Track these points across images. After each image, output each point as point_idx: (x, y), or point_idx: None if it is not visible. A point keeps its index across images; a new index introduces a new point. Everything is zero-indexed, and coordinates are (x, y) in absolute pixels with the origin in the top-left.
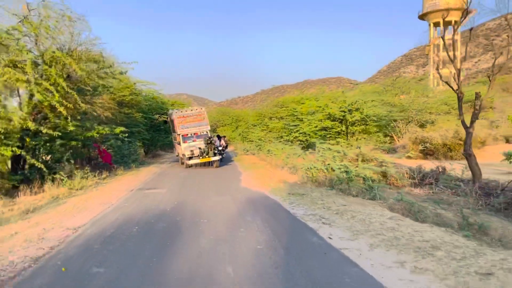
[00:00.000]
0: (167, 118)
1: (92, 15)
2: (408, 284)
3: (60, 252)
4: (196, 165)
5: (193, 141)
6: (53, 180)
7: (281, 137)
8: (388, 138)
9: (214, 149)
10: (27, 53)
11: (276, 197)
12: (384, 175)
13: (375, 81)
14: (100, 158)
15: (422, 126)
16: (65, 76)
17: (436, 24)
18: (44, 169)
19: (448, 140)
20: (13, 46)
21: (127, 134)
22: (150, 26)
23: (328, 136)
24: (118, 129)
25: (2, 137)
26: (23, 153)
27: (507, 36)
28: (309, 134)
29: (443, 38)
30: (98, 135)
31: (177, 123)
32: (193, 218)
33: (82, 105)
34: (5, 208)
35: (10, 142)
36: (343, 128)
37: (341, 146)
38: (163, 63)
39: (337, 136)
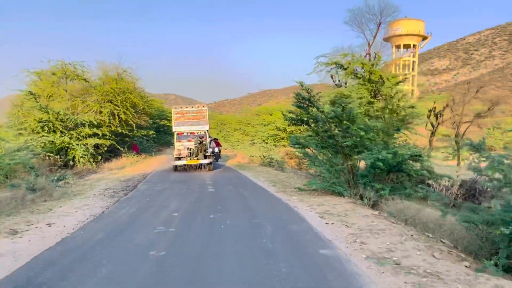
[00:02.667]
0: (171, 116)
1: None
2: (264, 182)
3: (151, 174)
4: (185, 167)
5: (188, 141)
6: (121, 156)
7: (253, 140)
8: None
9: (204, 150)
10: (116, 96)
11: (235, 168)
12: (296, 161)
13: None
14: (132, 148)
15: None
16: (131, 105)
17: (398, 46)
18: (122, 150)
19: None
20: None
21: (152, 133)
22: (138, 24)
23: (276, 140)
24: (151, 132)
25: (108, 136)
26: (114, 142)
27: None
28: (265, 138)
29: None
30: (140, 135)
31: (174, 120)
32: (194, 174)
33: (137, 120)
34: (110, 165)
35: (110, 138)
36: (285, 135)
37: (273, 145)
38: (151, 62)
39: (281, 140)
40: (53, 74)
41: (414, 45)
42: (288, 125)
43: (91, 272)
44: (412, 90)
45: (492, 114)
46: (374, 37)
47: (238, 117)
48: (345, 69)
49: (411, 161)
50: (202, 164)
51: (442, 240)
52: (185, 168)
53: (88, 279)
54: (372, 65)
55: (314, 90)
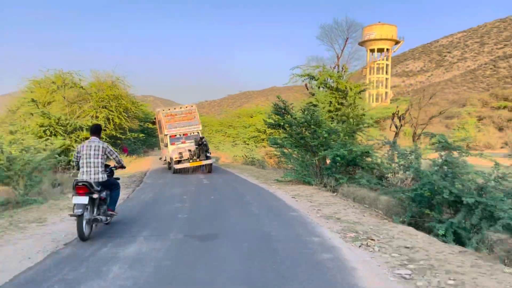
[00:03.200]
0: (154, 118)
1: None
2: (248, 176)
3: (148, 172)
4: (185, 170)
5: (182, 142)
6: None
7: (235, 141)
8: None
9: (206, 151)
10: (111, 102)
11: (220, 166)
12: (275, 160)
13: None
14: (122, 150)
15: None
16: (124, 110)
17: (372, 51)
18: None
19: None
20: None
21: (142, 136)
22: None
23: (256, 141)
24: (141, 134)
25: (104, 138)
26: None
27: None
28: (246, 139)
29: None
30: (132, 138)
31: (164, 123)
32: (187, 174)
33: (129, 124)
34: None
35: (106, 141)
36: (265, 136)
37: (254, 146)
38: (128, 62)
39: (261, 141)
40: (53, 83)
41: (387, 49)
42: (268, 127)
43: (146, 224)
44: (386, 92)
45: (459, 115)
46: (342, 51)
47: (219, 119)
48: (317, 80)
49: (367, 157)
50: (204, 165)
51: (375, 210)
52: (180, 171)
53: (145, 228)
54: (339, 76)
55: (292, 90)
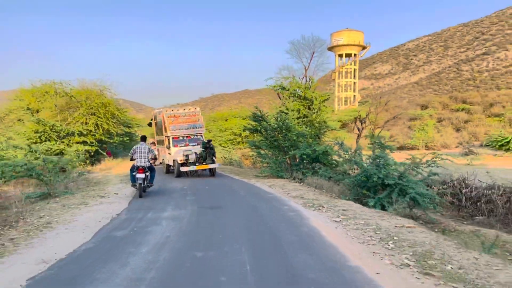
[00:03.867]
0: (151, 119)
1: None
2: (229, 173)
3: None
4: (188, 173)
5: (185, 145)
6: (101, 160)
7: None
8: None
9: (212, 155)
10: (99, 109)
11: None
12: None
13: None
14: (106, 153)
15: None
16: (111, 116)
17: (340, 55)
18: (104, 155)
19: None
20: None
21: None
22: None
23: (233, 143)
24: (126, 138)
25: (94, 143)
26: (98, 148)
27: None
28: (223, 142)
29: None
30: (117, 142)
31: (168, 123)
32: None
33: (116, 129)
34: (98, 167)
35: (95, 145)
36: (240, 139)
37: (232, 148)
38: (98, 65)
39: (237, 144)
40: (46, 92)
41: (354, 54)
42: (249, 132)
43: (167, 202)
44: (354, 95)
45: (421, 117)
46: (309, 64)
47: None
48: (287, 90)
49: (327, 155)
50: (210, 169)
51: (330, 193)
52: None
53: (168, 205)
54: (306, 87)
55: (264, 93)
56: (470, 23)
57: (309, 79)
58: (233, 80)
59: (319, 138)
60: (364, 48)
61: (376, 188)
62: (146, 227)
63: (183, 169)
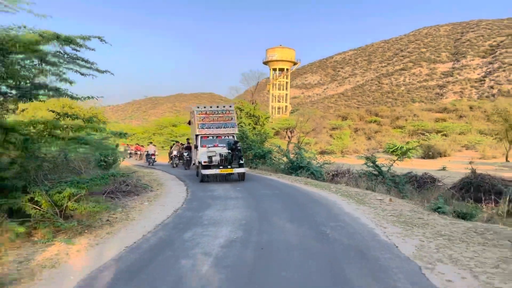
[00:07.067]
0: (190, 119)
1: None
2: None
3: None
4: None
5: (215, 146)
6: None
7: (163, 147)
8: None
9: (239, 158)
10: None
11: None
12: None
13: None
14: None
15: None
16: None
17: (274, 69)
18: None
19: None
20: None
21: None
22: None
23: None
24: None
25: None
26: None
27: None
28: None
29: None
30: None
31: (197, 122)
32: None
33: None
34: None
35: None
36: None
37: None
38: None
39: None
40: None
41: (287, 69)
42: None
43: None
44: (286, 105)
45: (341, 127)
46: (255, 89)
47: (144, 127)
48: (241, 110)
49: (270, 154)
50: (234, 174)
51: (272, 174)
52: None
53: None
54: (253, 108)
55: (199, 97)
56: (391, 40)
57: (255, 102)
58: (166, 83)
59: (264, 142)
60: (295, 64)
61: (295, 168)
62: (207, 208)
63: (206, 172)
